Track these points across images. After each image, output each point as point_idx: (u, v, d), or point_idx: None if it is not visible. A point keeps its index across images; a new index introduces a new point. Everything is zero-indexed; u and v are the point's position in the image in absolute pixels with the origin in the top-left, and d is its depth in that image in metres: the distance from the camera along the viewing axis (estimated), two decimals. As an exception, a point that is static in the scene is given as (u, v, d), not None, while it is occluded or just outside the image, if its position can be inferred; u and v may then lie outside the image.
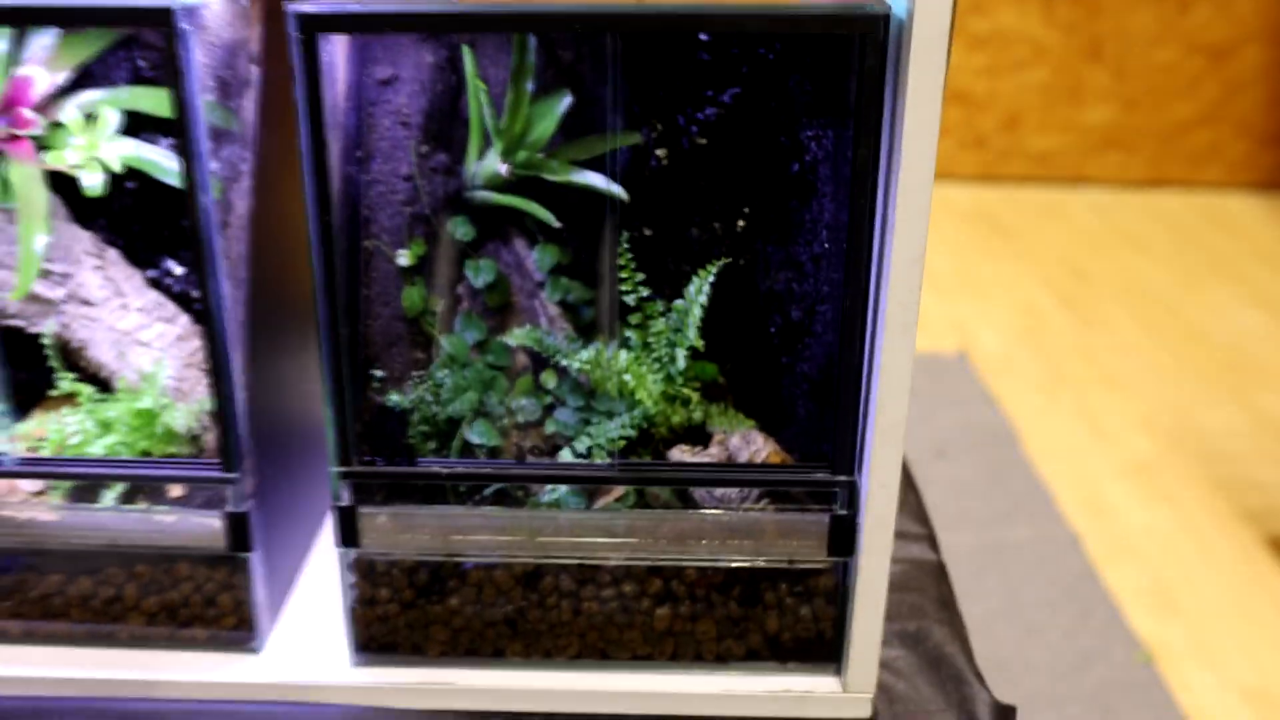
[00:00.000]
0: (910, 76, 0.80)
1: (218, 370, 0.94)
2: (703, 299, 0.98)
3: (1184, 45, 4.91)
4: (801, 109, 1.01)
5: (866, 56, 0.82)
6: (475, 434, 0.98)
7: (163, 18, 0.83)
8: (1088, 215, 4.79)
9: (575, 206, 1.04)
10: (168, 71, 0.84)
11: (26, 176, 1.03)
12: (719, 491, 0.98)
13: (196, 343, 1.07)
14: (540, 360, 1.04)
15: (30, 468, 0.98)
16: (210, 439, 1.04)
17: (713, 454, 1.00)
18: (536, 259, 1.04)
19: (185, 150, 0.87)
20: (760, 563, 0.98)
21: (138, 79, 1.10)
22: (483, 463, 0.97)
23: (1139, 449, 3.18)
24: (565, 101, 1.01)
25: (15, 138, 1.04)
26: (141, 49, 1.11)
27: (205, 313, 0.93)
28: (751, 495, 0.98)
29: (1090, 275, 4.24)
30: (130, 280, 1.09)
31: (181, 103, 0.86)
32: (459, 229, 1.03)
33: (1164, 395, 3.45)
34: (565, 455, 0.97)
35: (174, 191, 1.04)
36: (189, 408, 1.04)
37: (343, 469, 0.95)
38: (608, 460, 0.97)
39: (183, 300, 1.10)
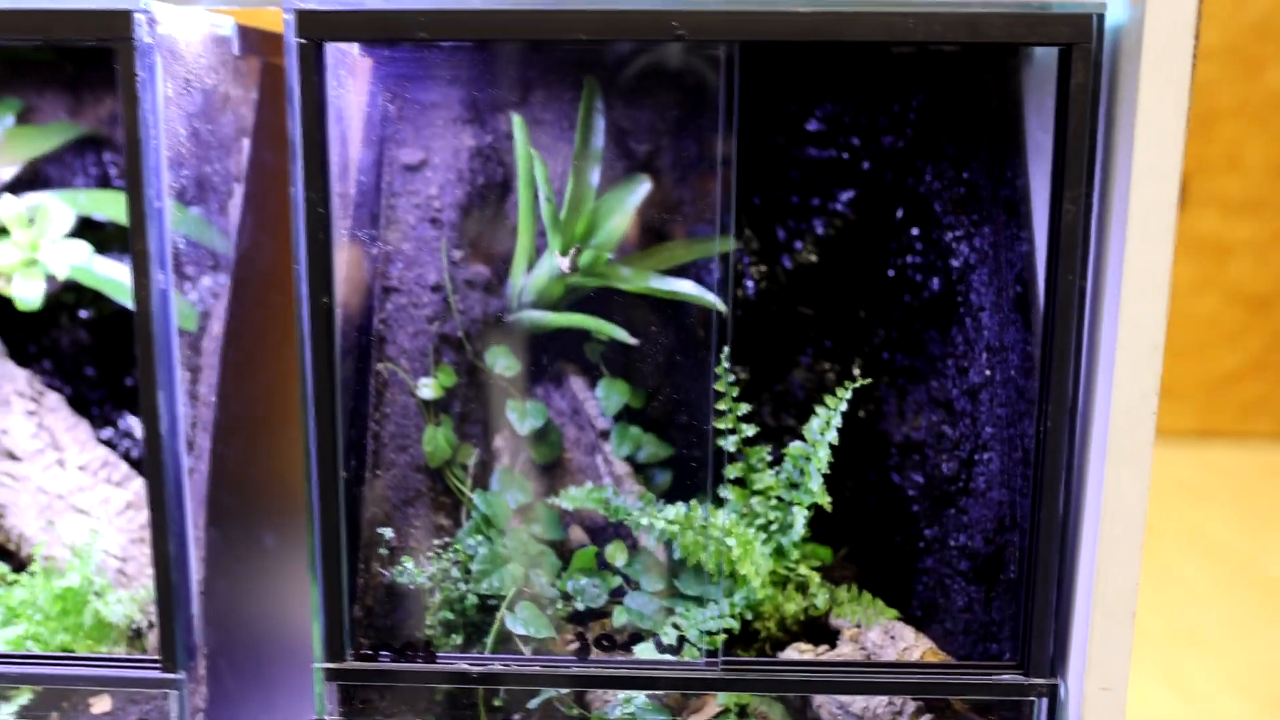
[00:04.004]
0: (1142, 95, 0.57)
1: (159, 529, 0.68)
2: (831, 438, 0.73)
3: (1224, 296, 4.79)
4: (944, 203, 0.78)
5: (1073, 71, 0.59)
6: (520, 622, 0.71)
7: (117, 24, 0.61)
8: (1138, 467, 4.53)
9: (650, 333, 0.80)
10: (125, 96, 0.61)
11: (-57, 287, 0.80)
12: (858, 706, 0.70)
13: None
14: (601, 533, 0.78)
15: (-106, 664, 0.71)
16: (155, 637, 0.77)
17: (844, 654, 0.72)
18: (601, 401, 0.79)
19: (132, 208, 0.63)
20: (920, 810, 0.69)
21: (104, 186, 0.88)
22: (529, 659, 0.69)
23: (1234, 714, 2.83)
24: (640, 191, 0.79)
25: (-63, 242, 0.81)
26: (112, 149, 0.90)
27: (149, 445, 0.68)
28: (906, 711, 0.70)
29: (1152, 527, 3.96)
30: (73, 431, 0.84)
31: (134, 141, 0.62)
32: (499, 360, 0.79)
33: (1250, 652, 3.11)
34: (645, 649, 0.70)
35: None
36: (132, 594, 0.77)
37: (332, 666, 0.67)
38: (704, 659, 0.69)
39: (140, 463, 0.85)
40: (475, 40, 0.67)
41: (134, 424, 0.88)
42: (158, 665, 0.69)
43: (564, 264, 0.74)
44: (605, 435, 0.79)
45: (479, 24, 0.58)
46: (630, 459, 0.79)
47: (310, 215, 0.62)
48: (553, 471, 0.80)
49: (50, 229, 0.80)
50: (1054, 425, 0.63)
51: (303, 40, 0.59)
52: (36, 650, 0.74)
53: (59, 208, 0.80)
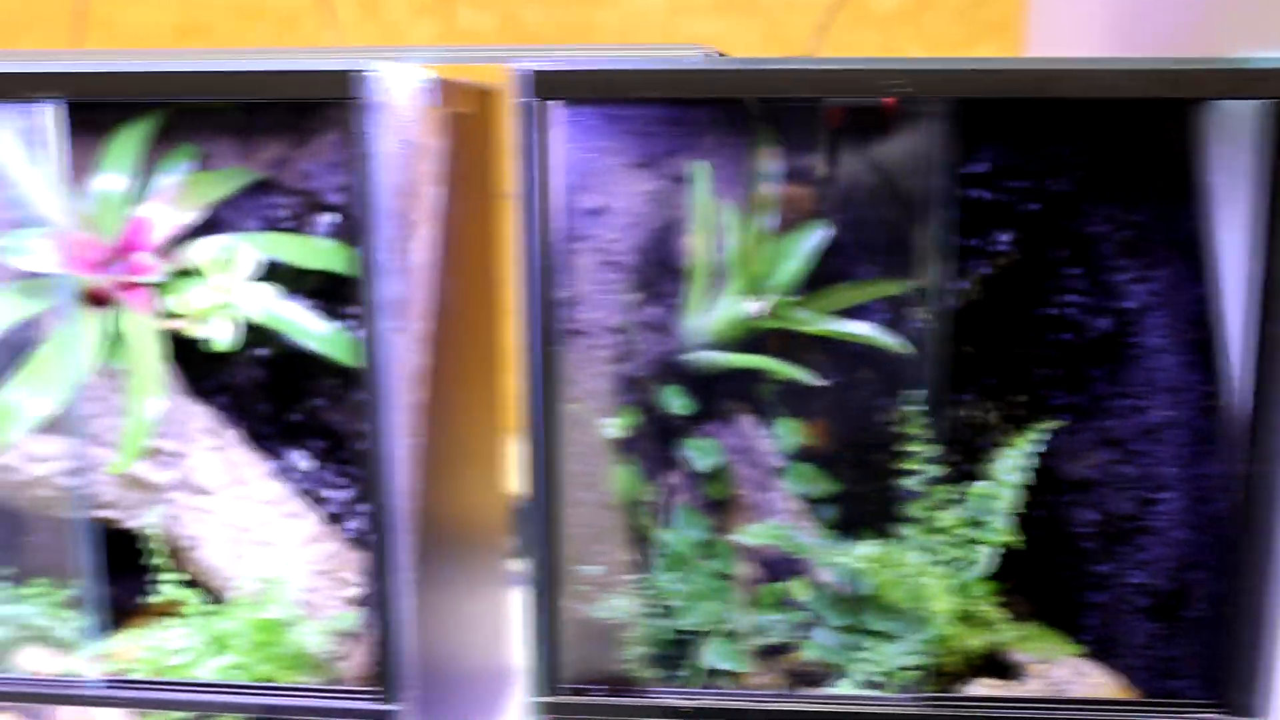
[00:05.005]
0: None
1: (381, 566, 0.70)
2: (1018, 478, 0.74)
3: None
4: (1119, 245, 0.80)
5: (1283, 126, 0.61)
6: (716, 656, 0.73)
7: (347, 85, 0.63)
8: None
9: (824, 373, 0.82)
10: (352, 159, 0.64)
11: (142, 330, 0.83)
12: (1048, 742, 0.71)
13: (330, 546, 0.84)
14: (772, 568, 0.79)
15: (118, 692, 0.73)
16: (346, 666, 0.79)
17: (1034, 690, 0.74)
18: (777, 439, 0.81)
19: (364, 269, 0.66)
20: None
21: (273, 229, 0.91)
22: (737, 694, 0.71)
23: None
24: (817, 237, 0.81)
25: (131, 285, 0.84)
26: (281, 193, 0.92)
27: (371, 487, 0.70)
28: (1097, 747, 0.71)
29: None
30: (252, 467, 0.87)
31: (362, 197, 0.65)
32: (675, 400, 0.81)
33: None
34: (845, 685, 0.72)
35: (309, 363, 0.84)
36: (322, 624, 0.80)
37: (546, 699, 0.69)
38: (902, 694, 0.71)
39: (312, 496, 0.87)
40: (703, 100, 0.69)
41: (298, 459, 0.91)
42: (377, 696, 0.71)
43: (756, 308, 0.77)
44: (779, 472, 0.81)
45: (706, 83, 0.61)
46: (804, 496, 0.81)
47: (544, 269, 0.64)
48: (725, 508, 0.81)
49: (240, 272, 0.83)
50: (1260, 470, 0.64)
51: (535, 100, 0.61)
52: (242, 680, 0.76)
53: (248, 251, 0.83)
